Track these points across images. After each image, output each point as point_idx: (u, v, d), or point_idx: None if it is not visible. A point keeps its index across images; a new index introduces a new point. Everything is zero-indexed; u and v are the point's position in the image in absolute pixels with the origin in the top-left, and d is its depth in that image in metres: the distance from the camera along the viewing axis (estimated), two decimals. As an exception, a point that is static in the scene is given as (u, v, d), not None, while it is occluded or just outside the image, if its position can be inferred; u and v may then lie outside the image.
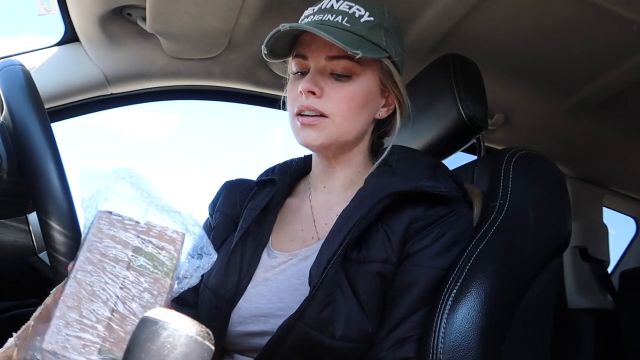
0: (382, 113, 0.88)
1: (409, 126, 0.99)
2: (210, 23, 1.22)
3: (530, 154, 0.92)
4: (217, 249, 0.92)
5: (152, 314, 0.41)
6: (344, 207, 0.82)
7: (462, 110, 0.95)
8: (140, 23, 1.22)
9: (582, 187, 1.89)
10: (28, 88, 0.77)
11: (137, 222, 0.57)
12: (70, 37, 1.29)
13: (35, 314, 0.55)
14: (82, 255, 0.54)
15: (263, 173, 1.00)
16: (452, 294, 0.74)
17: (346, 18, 0.80)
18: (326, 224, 0.86)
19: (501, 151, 0.95)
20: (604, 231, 1.93)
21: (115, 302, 0.51)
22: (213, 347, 0.41)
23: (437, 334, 0.72)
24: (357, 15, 0.81)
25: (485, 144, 1.11)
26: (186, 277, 0.60)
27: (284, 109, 0.90)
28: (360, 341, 0.74)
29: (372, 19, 0.81)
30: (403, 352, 0.73)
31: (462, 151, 1.15)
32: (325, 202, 0.91)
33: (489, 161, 0.97)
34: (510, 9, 1.17)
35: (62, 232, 0.72)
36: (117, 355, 0.49)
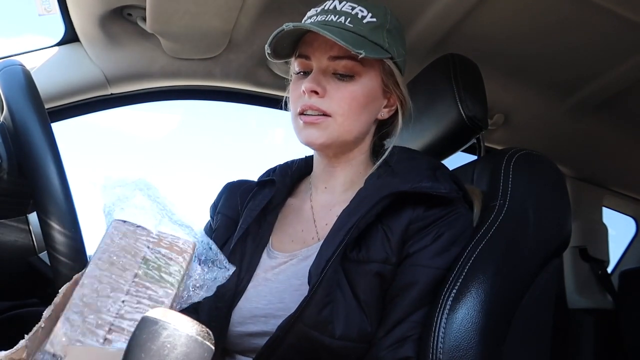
0: (384, 114, 0.89)
1: (410, 126, 0.99)
2: (210, 23, 1.22)
3: (530, 154, 0.92)
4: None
5: (152, 313, 0.41)
6: (345, 207, 0.82)
7: (462, 110, 0.96)
8: (140, 23, 1.22)
9: (582, 187, 1.89)
10: (28, 88, 0.77)
11: (150, 231, 0.58)
12: (70, 37, 1.29)
13: (46, 315, 0.55)
14: (93, 261, 0.55)
15: (264, 174, 1.00)
16: (452, 294, 0.74)
17: (349, 19, 0.81)
18: (326, 224, 0.87)
19: (501, 151, 0.95)
20: (604, 231, 1.93)
21: (119, 309, 0.51)
22: (213, 347, 0.41)
23: (437, 334, 0.72)
24: (359, 16, 0.81)
25: (485, 144, 1.11)
26: (200, 288, 0.60)
27: (286, 109, 0.90)
28: (359, 341, 0.74)
29: (374, 20, 0.82)
30: (402, 352, 0.73)
31: (462, 151, 1.15)
32: (326, 202, 0.91)
33: (489, 161, 0.97)
34: (510, 9, 1.17)
35: (62, 232, 0.72)
36: None
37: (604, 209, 1.97)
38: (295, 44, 0.85)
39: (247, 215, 0.91)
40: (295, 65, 0.87)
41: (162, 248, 0.57)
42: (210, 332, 0.42)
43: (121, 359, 0.47)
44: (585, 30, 1.21)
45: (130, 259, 0.55)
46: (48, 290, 0.67)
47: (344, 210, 0.81)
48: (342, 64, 0.81)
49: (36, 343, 0.53)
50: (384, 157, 0.88)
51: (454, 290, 0.74)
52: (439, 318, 0.73)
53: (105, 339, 0.50)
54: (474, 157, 1.11)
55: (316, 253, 0.79)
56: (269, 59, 0.85)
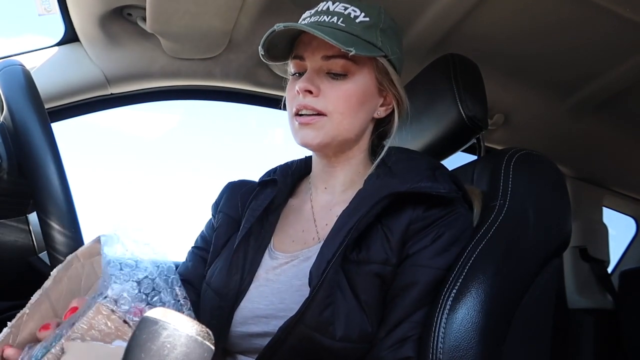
0: (381, 112, 0.89)
1: (409, 126, 0.99)
2: (210, 23, 1.22)
3: (530, 154, 0.92)
4: (220, 249, 0.93)
5: (152, 313, 0.41)
6: (344, 208, 0.82)
7: (462, 110, 0.95)
8: (140, 23, 1.22)
9: (582, 187, 1.89)
10: (28, 88, 0.77)
11: (127, 323, 0.54)
12: (70, 37, 1.29)
13: (33, 300, 0.55)
14: (66, 331, 0.52)
15: (265, 174, 1.01)
16: (452, 294, 0.74)
17: (341, 19, 0.82)
18: (327, 224, 0.87)
19: (501, 151, 0.95)
20: (604, 231, 1.93)
21: None
22: (213, 347, 0.41)
23: (437, 334, 0.72)
24: (352, 15, 0.82)
25: (485, 144, 1.11)
26: None
27: (286, 109, 0.91)
28: (360, 341, 0.74)
29: (367, 19, 0.82)
30: (403, 352, 0.73)
31: (462, 151, 1.15)
32: (326, 202, 0.91)
33: (489, 161, 0.97)
34: (510, 9, 1.17)
35: (62, 232, 0.72)
36: None
37: (604, 209, 1.97)
38: (291, 46, 0.86)
39: (249, 215, 0.92)
40: (290, 66, 0.88)
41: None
42: (210, 332, 0.42)
43: (120, 356, 0.47)
44: (585, 30, 1.21)
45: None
46: (48, 290, 0.67)
47: (343, 211, 0.81)
48: (335, 63, 0.82)
49: (22, 328, 0.53)
50: (381, 156, 0.88)
51: (454, 290, 0.74)
52: (439, 318, 0.73)
53: None
54: (474, 157, 1.11)
55: (317, 254, 0.79)
56: (263, 60, 0.86)
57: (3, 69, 0.79)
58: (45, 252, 0.77)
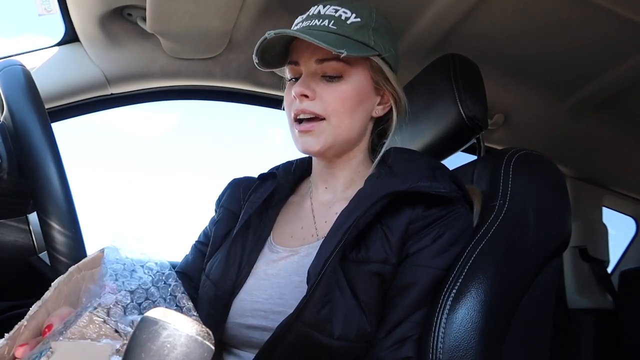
0: (379, 111, 0.90)
1: (409, 126, 0.99)
2: (210, 23, 1.22)
3: (530, 154, 0.92)
4: (220, 241, 0.94)
5: (152, 313, 0.41)
6: (344, 207, 0.82)
7: (462, 110, 0.96)
8: (140, 23, 1.22)
9: (582, 187, 1.89)
10: (28, 88, 0.77)
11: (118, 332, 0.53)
12: (70, 37, 1.29)
13: (31, 312, 0.55)
14: (63, 335, 0.52)
15: (267, 171, 1.02)
16: (452, 294, 0.74)
17: (333, 21, 0.83)
18: (326, 222, 0.87)
19: (501, 151, 0.95)
20: (604, 231, 1.93)
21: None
22: (213, 347, 0.41)
23: (436, 334, 0.72)
24: (343, 17, 0.83)
25: (485, 144, 1.11)
26: None
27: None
28: (358, 340, 0.74)
29: (358, 20, 0.83)
30: (403, 352, 0.73)
31: (462, 151, 1.15)
32: (326, 201, 0.92)
33: (489, 161, 0.97)
34: (510, 9, 1.17)
35: (62, 232, 0.72)
36: None
37: (604, 209, 1.97)
38: (286, 52, 0.87)
39: (248, 207, 0.93)
40: (286, 72, 0.88)
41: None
42: (210, 332, 0.42)
43: (109, 353, 0.47)
44: (585, 30, 1.21)
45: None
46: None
47: (343, 211, 0.81)
48: (329, 66, 0.83)
49: (18, 340, 0.53)
50: (380, 154, 0.89)
51: (454, 290, 0.74)
52: (439, 318, 0.73)
53: None
54: (474, 157, 1.11)
55: (317, 251, 0.79)
56: (258, 67, 0.87)
57: (3, 69, 0.79)
58: (45, 252, 0.77)
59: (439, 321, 0.72)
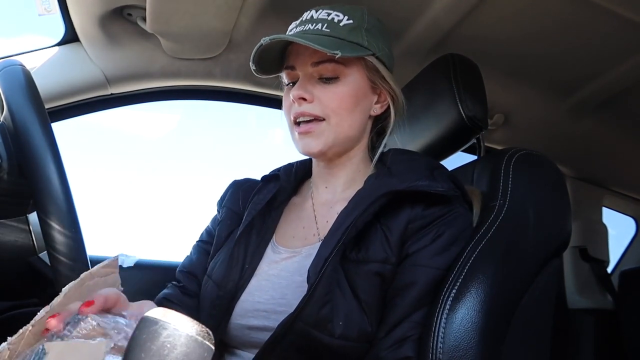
0: (377, 109, 0.90)
1: (409, 126, 0.99)
2: (210, 23, 1.22)
3: (530, 154, 0.92)
4: (222, 242, 0.95)
5: (152, 313, 0.41)
6: (344, 207, 0.83)
7: (462, 111, 0.96)
8: (140, 23, 1.22)
9: (582, 187, 1.89)
10: (28, 88, 0.77)
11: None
12: (70, 37, 1.29)
13: (37, 318, 0.54)
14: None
15: (269, 173, 1.03)
16: (452, 294, 0.74)
17: (325, 24, 0.84)
18: (327, 222, 0.87)
19: (501, 151, 0.95)
20: (604, 231, 1.93)
21: None
22: (213, 347, 0.41)
23: (436, 334, 0.72)
24: (336, 20, 0.84)
25: (485, 144, 1.11)
26: None
27: None
28: (359, 340, 0.74)
29: (351, 21, 0.84)
30: (403, 352, 0.73)
31: (462, 151, 1.15)
32: (327, 201, 0.92)
33: (489, 161, 0.97)
34: (510, 9, 1.17)
35: (62, 232, 0.72)
36: None
37: (604, 209, 1.97)
38: (282, 58, 0.89)
39: (252, 208, 0.94)
40: (284, 77, 0.90)
41: None
42: (210, 332, 0.42)
43: (103, 350, 0.47)
44: (585, 31, 1.21)
45: None
46: (48, 290, 0.67)
47: (342, 211, 0.82)
48: (325, 68, 0.84)
49: (22, 344, 0.53)
50: (378, 153, 0.91)
51: (454, 290, 0.74)
52: (439, 318, 0.73)
53: None
54: (474, 157, 1.11)
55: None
56: (255, 74, 0.88)
57: (3, 69, 0.79)
58: (45, 252, 0.77)
59: (438, 321, 0.73)
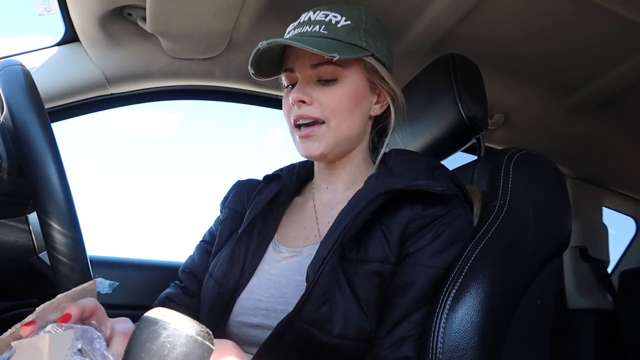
0: (377, 110, 0.91)
1: (409, 126, 0.99)
2: (210, 23, 1.22)
3: (530, 154, 0.92)
4: (224, 241, 0.96)
5: (152, 313, 0.41)
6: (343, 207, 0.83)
7: (462, 111, 0.96)
8: (140, 23, 1.22)
9: (582, 187, 1.89)
10: (28, 88, 0.77)
11: None
12: (70, 37, 1.29)
13: (7, 333, 0.54)
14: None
15: (271, 173, 1.03)
16: (452, 294, 0.74)
17: (323, 26, 0.84)
18: (328, 222, 0.87)
19: (501, 151, 0.95)
20: (604, 231, 1.93)
21: None
22: (213, 347, 0.41)
23: (436, 334, 0.72)
24: (333, 22, 0.84)
25: (485, 144, 1.11)
26: None
27: None
28: (358, 339, 0.75)
29: (349, 22, 0.84)
30: (402, 352, 0.73)
31: (462, 151, 1.15)
32: (328, 201, 0.92)
33: (489, 161, 0.97)
34: (510, 9, 1.17)
35: (62, 232, 0.72)
36: None
37: (604, 209, 1.97)
38: (281, 60, 0.89)
39: (253, 207, 0.94)
40: (283, 79, 0.90)
41: None
42: (210, 332, 0.42)
43: (71, 337, 0.46)
44: (585, 31, 1.21)
45: None
46: (48, 290, 0.67)
47: (341, 210, 0.82)
48: (323, 70, 0.84)
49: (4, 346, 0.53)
50: (381, 154, 0.91)
51: (454, 290, 0.74)
52: (439, 318, 0.73)
53: None
54: (474, 157, 1.11)
55: None
56: (254, 78, 0.88)
57: (3, 69, 0.79)
58: (45, 252, 0.77)
59: (438, 321, 0.73)
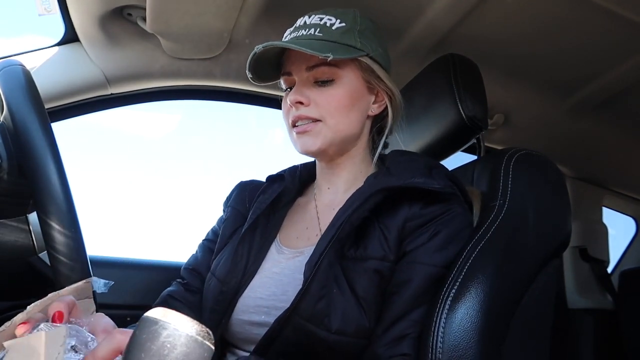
0: (375, 109, 0.92)
1: (409, 126, 0.99)
2: (210, 23, 1.22)
3: (530, 154, 0.93)
4: (227, 240, 0.96)
5: (152, 313, 0.41)
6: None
7: (462, 111, 0.96)
8: (140, 23, 1.22)
9: (582, 187, 1.89)
10: (28, 88, 0.77)
11: None
12: (70, 37, 1.29)
13: (16, 319, 0.54)
14: None
15: (275, 173, 1.04)
16: (452, 294, 0.74)
17: (318, 29, 0.86)
18: (329, 222, 0.88)
19: (501, 151, 0.95)
20: (604, 231, 1.93)
21: None
22: (213, 347, 0.41)
23: (436, 334, 0.72)
24: (328, 24, 0.86)
25: (485, 144, 1.11)
26: None
27: None
28: (357, 336, 0.75)
29: (343, 24, 0.86)
30: (400, 349, 0.74)
31: (462, 151, 1.15)
32: (329, 201, 0.93)
33: (489, 161, 0.97)
34: (510, 9, 1.17)
35: (62, 232, 0.72)
36: None
37: (604, 209, 1.97)
38: (279, 65, 0.91)
39: (256, 207, 0.95)
40: (282, 83, 0.92)
41: None
42: (210, 332, 0.42)
43: (63, 334, 0.46)
44: (585, 31, 1.21)
45: None
46: (48, 290, 0.67)
47: (340, 208, 0.83)
48: (320, 71, 0.86)
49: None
50: (378, 151, 0.92)
51: (453, 290, 0.74)
52: (438, 317, 0.73)
53: None
54: (474, 157, 1.11)
55: None
56: (253, 82, 0.90)
57: (3, 69, 0.79)
58: (45, 252, 0.77)
59: (438, 321, 0.73)
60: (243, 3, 1.16)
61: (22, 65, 0.81)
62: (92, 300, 0.63)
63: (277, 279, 0.86)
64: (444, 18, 1.21)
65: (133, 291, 1.36)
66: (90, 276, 0.72)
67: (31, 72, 0.81)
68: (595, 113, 1.57)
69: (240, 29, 1.28)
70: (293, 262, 0.87)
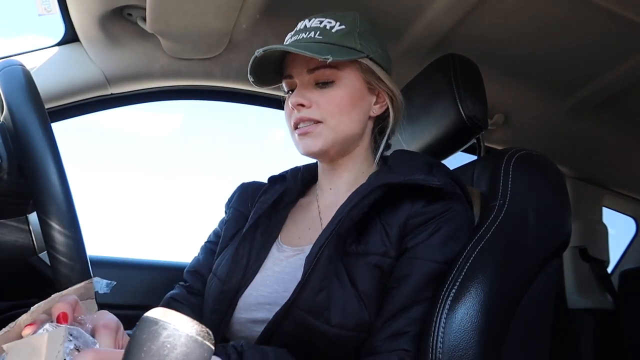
0: (376, 110, 0.92)
1: (409, 126, 0.99)
2: (210, 23, 1.22)
3: (530, 154, 0.93)
4: (228, 240, 0.97)
5: (152, 313, 0.41)
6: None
7: (462, 111, 0.96)
8: (140, 23, 1.22)
9: (582, 187, 1.89)
10: (28, 88, 0.77)
11: None
12: (70, 37, 1.29)
13: (0, 332, 0.53)
14: None
15: (277, 174, 1.05)
16: (452, 294, 0.74)
17: (318, 32, 0.87)
18: None
19: (501, 151, 0.95)
20: (604, 231, 1.93)
21: None
22: (213, 347, 0.41)
23: (436, 333, 0.72)
24: (328, 27, 0.87)
25: (485, 144, 1.11)
26: None
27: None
28: (356, 330, 0.75)
29: (343, 27, 0.87)
30: (399, 344, 0.74)
31: (462, 151, 1.15)
32: (331, 201, 0.94)
33: (489, 161, 0.97)
34: (510, 9, 1.17)
35: (62, 232, 0.72)
36: None
37: (604, 209, 1.97)
38: (281, 69, 0.92)
39: (258, 207, 0.96)
40: (283, 86, 0.93)
41: None
42: (211, 332, 0.42)
43: (62, 334, 0.46)
44: (585, 31, 1.21)
45: None
46: (48, 290, 0.67)
47: (341, 205, 0.84)
48: (320, 74, 0.86)
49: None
50: (380, 150, 0.93)
51: (454, 290, 0.74)
52: (439, 317, 0.73)
53: None
54: (474, 157, 1.11)
55: None
56: (254, 86, 0.91)
57: (3, 69, 0.79)
58: (45, 252, 0.77)
59: (438, 320, 0.73)
60: (243, 3, 1.16)
61: (22, 65, 0.81)
62: (94, 301, 0.63)
63: (278, 277, 0.87)
64: (444, 18, 1.21)
65: (133, 291, 1.36)
66: (91, 276, 0.72)
67: (31, 72, 0.81)
68: (595, 113, 1.58)
69: (240, 29, 1.28)
70: (294, 259, 0.88)
